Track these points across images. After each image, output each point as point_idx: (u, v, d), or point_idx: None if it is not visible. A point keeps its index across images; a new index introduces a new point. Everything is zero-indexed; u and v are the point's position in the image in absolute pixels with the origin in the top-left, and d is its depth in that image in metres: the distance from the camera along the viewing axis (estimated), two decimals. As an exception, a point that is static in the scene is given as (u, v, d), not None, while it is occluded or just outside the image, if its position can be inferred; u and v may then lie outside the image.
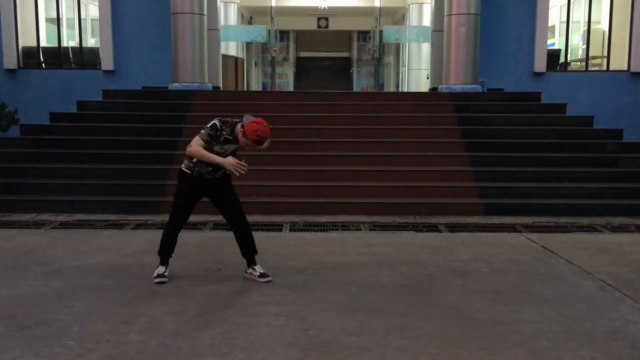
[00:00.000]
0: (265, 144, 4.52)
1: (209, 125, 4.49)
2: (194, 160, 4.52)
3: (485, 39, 11.72)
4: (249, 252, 4.77)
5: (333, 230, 6.70)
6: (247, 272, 4.77)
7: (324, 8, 18.43)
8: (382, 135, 9.08)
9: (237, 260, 5.01)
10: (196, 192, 4.67)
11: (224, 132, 4.46)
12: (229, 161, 4.40)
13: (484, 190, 7.88)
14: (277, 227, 6.74)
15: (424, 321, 3.86)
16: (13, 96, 12.19)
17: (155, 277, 4.64)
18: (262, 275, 4.70)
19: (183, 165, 4.63)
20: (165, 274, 4.68)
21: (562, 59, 13.58)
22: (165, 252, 4.73)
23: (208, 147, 4.44)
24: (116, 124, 9.47)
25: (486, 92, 11.26)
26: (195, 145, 4.44)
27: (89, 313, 3.96)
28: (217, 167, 4.50)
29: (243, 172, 4.40)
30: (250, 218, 6.97)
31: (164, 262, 4.73)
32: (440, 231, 6.69)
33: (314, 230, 6.66)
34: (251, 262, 4.78)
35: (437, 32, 12.35)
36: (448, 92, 10.71)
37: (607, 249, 5.87)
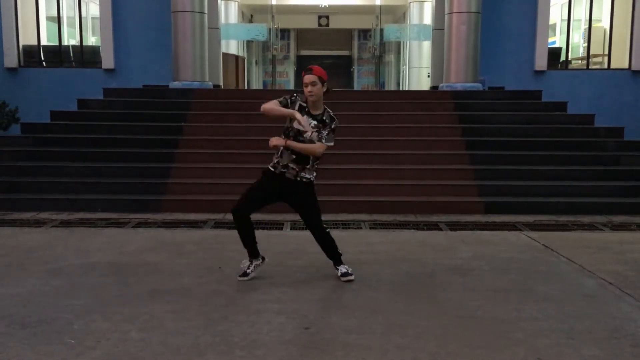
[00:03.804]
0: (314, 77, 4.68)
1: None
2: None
3: (486, 37, 11.71)
4: (329, 257, 4.83)
5: (333, 228, 6.69)
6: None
7: (325, 6, 18.42)
8: (383, 134, 9.08)
9: (238, 259, 5.00)
10: (270, 191, 4.69)
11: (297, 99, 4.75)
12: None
13: (484, 189, 7.88)
14: (278, 226, 6.74)
15: (425, 319, 3.86)
16: (14, 94, 12.21)
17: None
18: (343, 274, 4.71)
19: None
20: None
21: (563, 57, 13.57)
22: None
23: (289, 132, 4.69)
24: (117, 122, 9.47)
25: (487, 90, 11.26)
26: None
27: (89, 311, 3.96)
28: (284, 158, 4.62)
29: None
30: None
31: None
32: (441, 229, 6.69)
33: (315, 229, 6.64)
34: (335, 263, 4.81)
35: (438, 30, 12.36)
36: (449, 91, 10.70)
37: (607, 247, 5.86)
